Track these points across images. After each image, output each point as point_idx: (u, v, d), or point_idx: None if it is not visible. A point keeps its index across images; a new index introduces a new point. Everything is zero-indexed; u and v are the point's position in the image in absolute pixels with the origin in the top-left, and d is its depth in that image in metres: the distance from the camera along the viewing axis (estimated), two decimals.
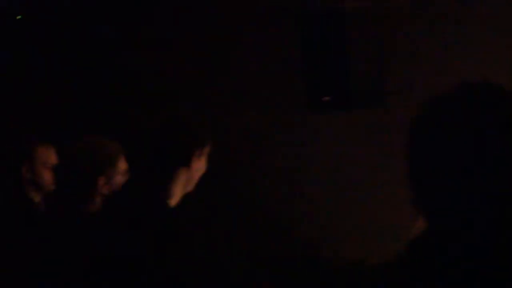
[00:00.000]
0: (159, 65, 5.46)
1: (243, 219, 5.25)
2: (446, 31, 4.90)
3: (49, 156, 3.75)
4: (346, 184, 5.14)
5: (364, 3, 4.73)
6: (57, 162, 3.64)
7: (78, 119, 5.19)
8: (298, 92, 4.94)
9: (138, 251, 2.68)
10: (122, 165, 3.33)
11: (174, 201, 2.81)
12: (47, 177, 3.73)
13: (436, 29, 4.94)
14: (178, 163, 2.80)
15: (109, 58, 5.58)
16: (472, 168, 1.37)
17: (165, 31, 5.53)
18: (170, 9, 5.57)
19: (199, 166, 2.85)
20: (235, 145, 5.20)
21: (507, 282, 1.37)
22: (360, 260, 4.49)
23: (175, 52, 5.46)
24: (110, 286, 2.75)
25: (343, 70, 4.80)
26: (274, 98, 5.28)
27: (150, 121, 2.96)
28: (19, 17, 5.63)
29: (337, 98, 4.89)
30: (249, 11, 5.35)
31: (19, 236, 3.52)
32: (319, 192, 5.20)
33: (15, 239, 3.53)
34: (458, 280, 1.37)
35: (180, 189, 2.82)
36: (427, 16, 4.97)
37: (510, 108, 1.40)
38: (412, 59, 4.99)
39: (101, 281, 2.81)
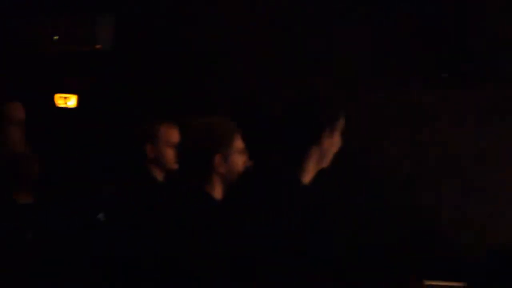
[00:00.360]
0: (289, 43, 5.51)
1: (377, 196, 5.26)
2: None
3: (172, 135, 3.81)
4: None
5: None
6: (179, 141, 3.73)
7: (199, 99, 5.28)
8: (417, 69, 4.91)
9: (271, 227, 2.70)
10: (239, 143, 3.27)
11: (307, 178, 2.82)
12: (170, 155, 3.80)
13: None
14: (310, 140, 2.81)
15: (228, 38, 5.66)
16: None
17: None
18: None
19: (332, 143, 2.84)
20: (362, 121, 5.22)
21: None
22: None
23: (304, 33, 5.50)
24: (238, 264, 2.79)
25: (460, 48, 4.77)
26: (393, 74, 5.26)
27: (280, 98, 2.96)
28: None
29: (453, 75, 4.86)
30: None
31: (144, 213, 3.62)
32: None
33: (140, 217, 3.66)
34: None
35: (313, 166, 2.82)
36: None
37: None
38: None
39: (227, 258, 2.85)
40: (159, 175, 3.87)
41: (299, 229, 2.69)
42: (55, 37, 5.92)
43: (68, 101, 6.38)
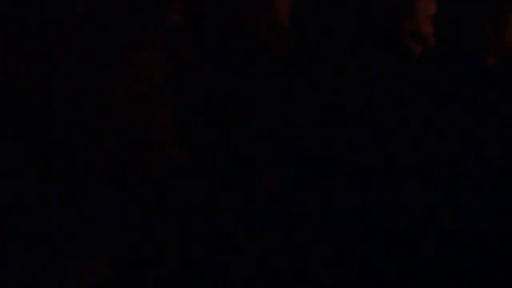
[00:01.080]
0: None
1: None
2: None
3: (431, 7, 3.70)
4: None
5: None
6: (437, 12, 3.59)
7: None
8: None
9: None
10: None
11: None
12: (428, 28, 3.68)
13: None
14: None
15: None
16: None
17: None
18: None
19: None
20: None
21: None
22: None
23: None
24: None
25: None
26: None
27: None
28: None
29: None
30: None
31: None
32: None
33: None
34: None
35: None
36: None
37: None
38: None
39: None
40: (416, 49, 3.77)
41: None
42: None
43: None
